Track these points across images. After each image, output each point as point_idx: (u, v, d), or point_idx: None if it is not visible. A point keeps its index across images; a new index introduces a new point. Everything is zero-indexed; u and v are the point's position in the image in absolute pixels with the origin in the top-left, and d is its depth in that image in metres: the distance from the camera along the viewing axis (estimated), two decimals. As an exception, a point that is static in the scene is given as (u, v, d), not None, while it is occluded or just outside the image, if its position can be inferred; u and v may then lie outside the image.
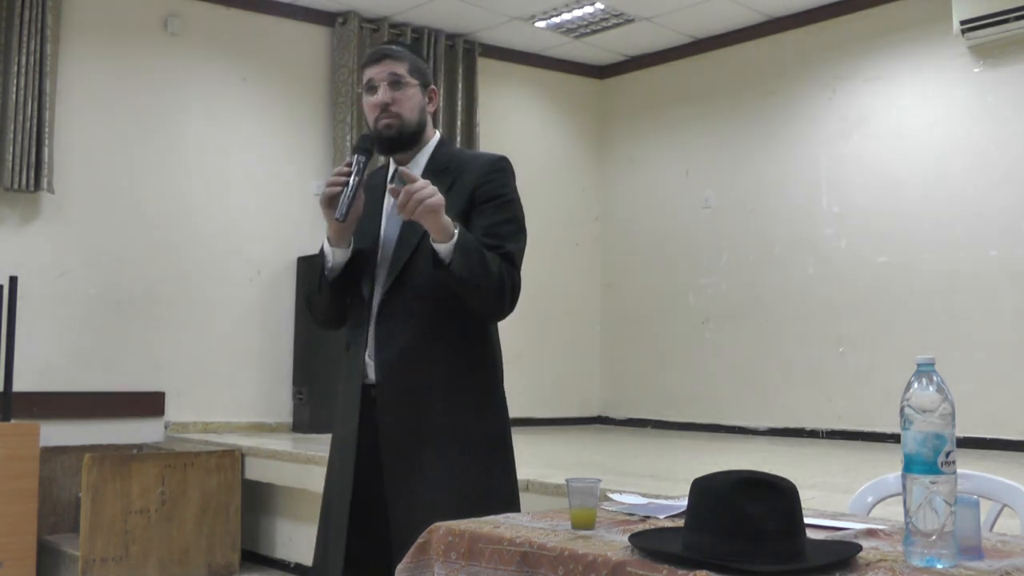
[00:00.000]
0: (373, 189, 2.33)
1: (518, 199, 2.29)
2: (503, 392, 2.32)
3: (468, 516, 1.76)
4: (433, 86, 2.34)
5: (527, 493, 3.52)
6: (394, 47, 2.31)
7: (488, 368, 2.28)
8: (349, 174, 2.16)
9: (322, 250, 2.27)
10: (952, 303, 5.56)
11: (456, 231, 2.08)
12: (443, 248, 2.08)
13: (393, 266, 2.22)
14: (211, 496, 4.91)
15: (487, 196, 2.23)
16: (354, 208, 2.18)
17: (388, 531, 2.17)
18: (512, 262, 2.19)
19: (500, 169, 2.28)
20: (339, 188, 2.16)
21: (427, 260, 2.13)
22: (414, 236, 2.19)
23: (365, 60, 2.31)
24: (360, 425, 2.22)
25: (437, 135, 2.36)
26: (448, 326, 2.21)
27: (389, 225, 2.27)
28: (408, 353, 2.19)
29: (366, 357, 2.23)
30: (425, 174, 2.26)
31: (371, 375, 2.23)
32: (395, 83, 2.24)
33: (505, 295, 2.16)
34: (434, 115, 2.37)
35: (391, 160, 2.35)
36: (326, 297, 2.28)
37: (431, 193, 2.05)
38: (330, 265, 2.25)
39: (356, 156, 2.18)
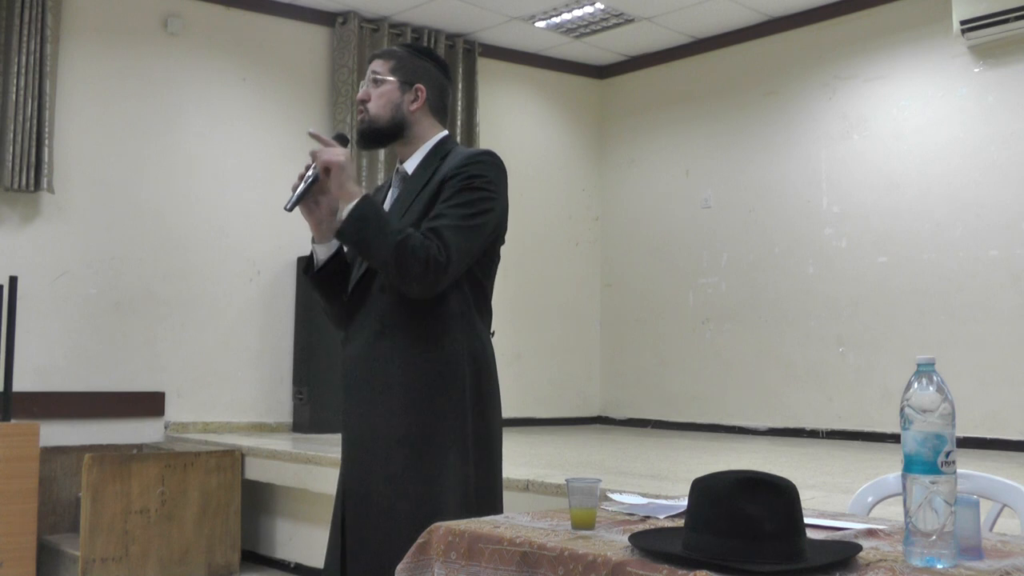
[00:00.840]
0: (376, 192, 2.38)
1: (488, 188, 2.21)
2: (476, 390, 2.21)
3: (420, 524, 1.75)
4: (420, 85, 2.30)
5: (527, 493, 3.53)
6: (392, 46, 2.38)
7: (453, 366, 2.18)
8: (308, 167, 2.20)
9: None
10: (952, 303, 5.56)
11: (358, 198, 2.12)
12: (342, 213, 2.14)
13: (361, 262, 2.26)
14: (211, 496, 4.92)
15: (453, 183, 2.19)
16: (321, 203, 2.22)
17: (345, 533, 2.19)
18: (439, 235, 2.11)
19: (476, 161, 2.23)
20: (298, 183, 2.20)
21: None
22: None
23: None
24: (345, 419, 2.28)
25: (442, 133, 2.35)
26: (408, 321, 2.18)
27: None
28: (367, 350, 2.21)
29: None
30: (415, 171, 2.29)
31: None
32: (373, 80, 2.30)
33: (408, 265, 2.07)
34: (438, 113, 2.37)
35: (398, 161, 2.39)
36: (318, 294, 2.34)
37: (336, 153, 2.14)
38: (316, 260, 2.30)
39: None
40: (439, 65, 2.38)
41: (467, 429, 2.18)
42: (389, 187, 2.37)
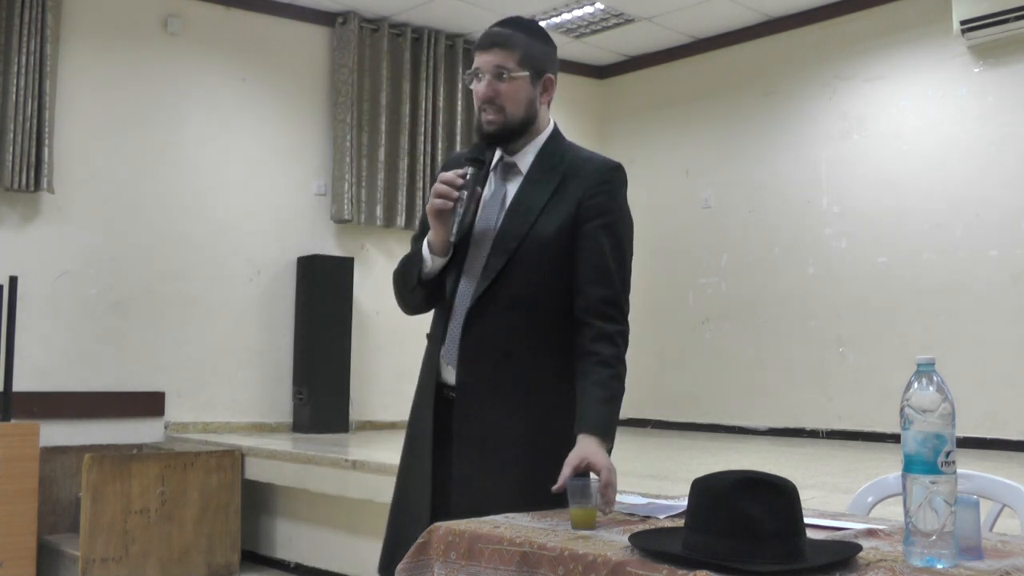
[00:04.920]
0: (469, 173, 2.16)
1: (626, 214, 2.17)
2: (573, 397, 2.15)
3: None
4: (550, 75, 2.14)
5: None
6: (507, 30, 2.15)
7: (568, 376, 2.10)
8: (461, 187, 2.04)
9: (419, 251, 2.15)
10: (952, 303, 5.56)
11: (606, 441, 1.95)
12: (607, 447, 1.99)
13: (487, 272, 2.08)
14: (211, 496, 4.91)
15: (593, 212, 2.09)
16: (464, 223, 2.08)
17: None
18: (618, 307, 2.10)
19: (608, 180, 2.12)
20: (450, 204, 2.03)
21: (523, 270, 2.05)
22: (512, 241, 2.07)
23: (477, 43, 2.18)
24: (435, 427, 2.10)
25: (551, 126, 2.19)
26: (536, 338, 2.09)
27: (484, 218, 2.14)
28: (493, 363, 2.06)
29: (443, 355, 2.12)
30: (532, 170, 2.14)
31: (446, 375, 2.12)
32: (500, 75, 2.09)
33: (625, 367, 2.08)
34: (534, 106, 2.15)
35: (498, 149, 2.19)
36: (419, 296, 2.18)
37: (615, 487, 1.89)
38: (427, 270, 2.13)
39: (468, 169, 2.06)
40: (554, 46, 2.20)
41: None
42: (486, 175, 2.17)
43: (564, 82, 7.45)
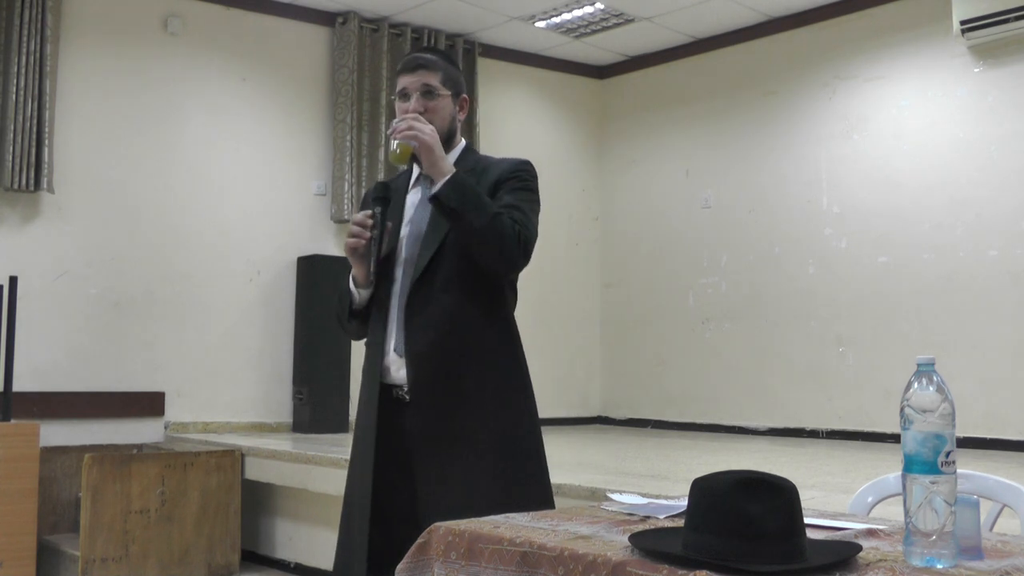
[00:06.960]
0: (395, 192, 2.38)
1: (537, 195, 2.35)
2: (530, 381, 2.37)
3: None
4: (464, 95, 2.40)
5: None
6: (428, 56, 2.35)
7: (513, 358, 2.32)
8: (370, 227, 2.23)
9: (348, 286, 2.34)
10: (952, 303, 5.56)
11: (452, 171, 2.17)
12: (438, 185, 2.17)
13: (418, 264, 2.25)
14: (211, 496, 4.91)
15: (507, 189, 2.29)
16: (381, 257, 2.27)
17: (416, 533, 2.15)
18: (523, 213, 2.22)
19: (522, 169, 2.34)
20: (362, 241, 2.23)
21: (452, 258, 2.21)
22: (439, 233, 2.24)
23: (400, 67, 2.37)
24: (379, 424, 2.22)
25: (463, 142, 2.41)
26: (474, 319, 2.24)
27: (411, 226, 2.31)
28: (437, 350, 2.20)
29: (391, 354, 2.25)
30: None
31: (393, 373, 2.24)
32: (428, 93, 2.29)
33: (506, 239, 2.16)
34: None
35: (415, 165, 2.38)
36: (355, 325, 2.38)
37: (427, 133, 2.18)
38: (357, 302, 2.33)
39: (375, 208, 2.25)
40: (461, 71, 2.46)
41: (535, 419, 2.34)
42: (407, 189, 2.38)
43: (564, 82, 7.47)
